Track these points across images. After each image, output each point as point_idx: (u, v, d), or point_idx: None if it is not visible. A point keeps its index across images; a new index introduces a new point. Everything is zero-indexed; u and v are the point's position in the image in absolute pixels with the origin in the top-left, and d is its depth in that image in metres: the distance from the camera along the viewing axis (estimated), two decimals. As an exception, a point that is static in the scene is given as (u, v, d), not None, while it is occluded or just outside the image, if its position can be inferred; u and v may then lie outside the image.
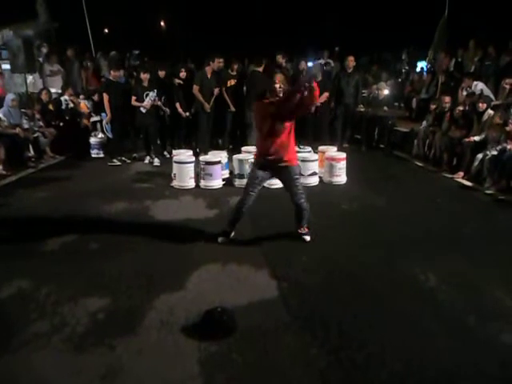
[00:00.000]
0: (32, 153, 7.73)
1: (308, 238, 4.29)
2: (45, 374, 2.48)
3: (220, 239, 4.24)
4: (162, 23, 25.16)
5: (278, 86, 3.83)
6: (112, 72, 7.83)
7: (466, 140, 6.56)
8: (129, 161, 7.93)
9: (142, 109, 7.54)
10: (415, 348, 2.66)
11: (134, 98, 7.56)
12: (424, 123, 8.01)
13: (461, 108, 7.11)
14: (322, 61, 11.13)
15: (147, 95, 7.54)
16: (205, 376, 2.44)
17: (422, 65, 12.35)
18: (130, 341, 2.75)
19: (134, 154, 8.17)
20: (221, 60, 8.37)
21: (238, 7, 18.92)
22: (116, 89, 7.71)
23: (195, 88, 7.99)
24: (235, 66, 8.48)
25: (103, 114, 8.19)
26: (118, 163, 7.76)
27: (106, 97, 7.68)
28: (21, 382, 2.44)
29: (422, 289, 3.40)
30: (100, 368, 2.50)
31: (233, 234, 4.30)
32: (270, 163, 4.01)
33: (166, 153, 8.24)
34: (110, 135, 8.15)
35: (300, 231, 4.31)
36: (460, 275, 3.59)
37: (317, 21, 18.16)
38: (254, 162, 4.31)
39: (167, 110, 8.06)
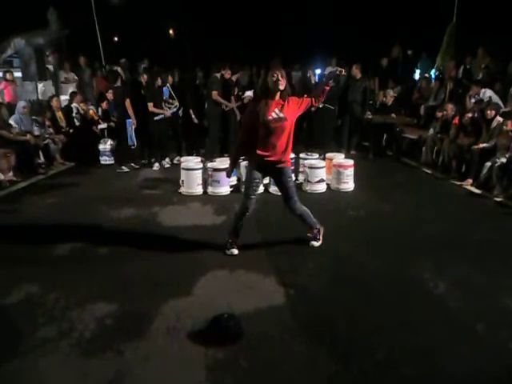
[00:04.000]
0: (42, 159, 7.82)
1: (316, 243, 4.27)
2: (52, 379, 2.50)
3: (234, 251, 4.12)
4: (171, 31, 25.34)
5: (281, 81, 3.73)
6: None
7: (475, 147, 6.53)
8: (137, 166, 7.97)
9: (157, 117, 7.51)
10: (424, 355, 2.64)
11: (150, 104, 7.52)
12: (431, 131, 7.99)
13: (469, 115, 7.07)
14: (333, 69, 11.15)
15: (167, 103, 7.47)
16: (211, 382, 2.44)
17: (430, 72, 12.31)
18: (137, 346, 2.76)
19: (143, 161, 8.22)
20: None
21: (245, 15, 19.03)
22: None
23: (214, 93, 7.99)
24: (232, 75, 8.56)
25: (128, 121, 7.74)
26: (127, 170, 7.81)
27: (128, 102, 7.55)
28: (29, 386, 2.46)
29: (431, 295, 3.38)
30: (107, 373, 2.51)
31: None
32: (267, 164, 3.92)
33: (176, 160, 8.19)
34: (134, 142, 7.86)
35: (309, 235, 4.30)
36: (469, 282, 3.57)
37: (325, 28, 18.20)
38: (249, 163, 4.14)
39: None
